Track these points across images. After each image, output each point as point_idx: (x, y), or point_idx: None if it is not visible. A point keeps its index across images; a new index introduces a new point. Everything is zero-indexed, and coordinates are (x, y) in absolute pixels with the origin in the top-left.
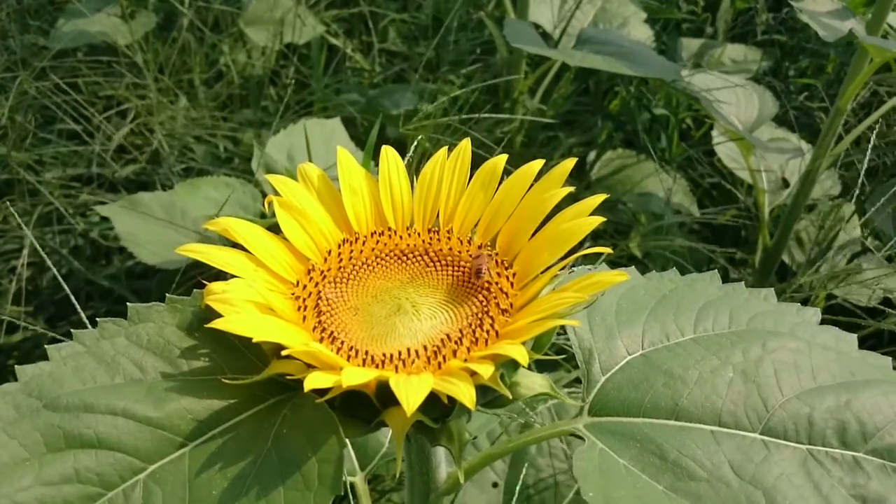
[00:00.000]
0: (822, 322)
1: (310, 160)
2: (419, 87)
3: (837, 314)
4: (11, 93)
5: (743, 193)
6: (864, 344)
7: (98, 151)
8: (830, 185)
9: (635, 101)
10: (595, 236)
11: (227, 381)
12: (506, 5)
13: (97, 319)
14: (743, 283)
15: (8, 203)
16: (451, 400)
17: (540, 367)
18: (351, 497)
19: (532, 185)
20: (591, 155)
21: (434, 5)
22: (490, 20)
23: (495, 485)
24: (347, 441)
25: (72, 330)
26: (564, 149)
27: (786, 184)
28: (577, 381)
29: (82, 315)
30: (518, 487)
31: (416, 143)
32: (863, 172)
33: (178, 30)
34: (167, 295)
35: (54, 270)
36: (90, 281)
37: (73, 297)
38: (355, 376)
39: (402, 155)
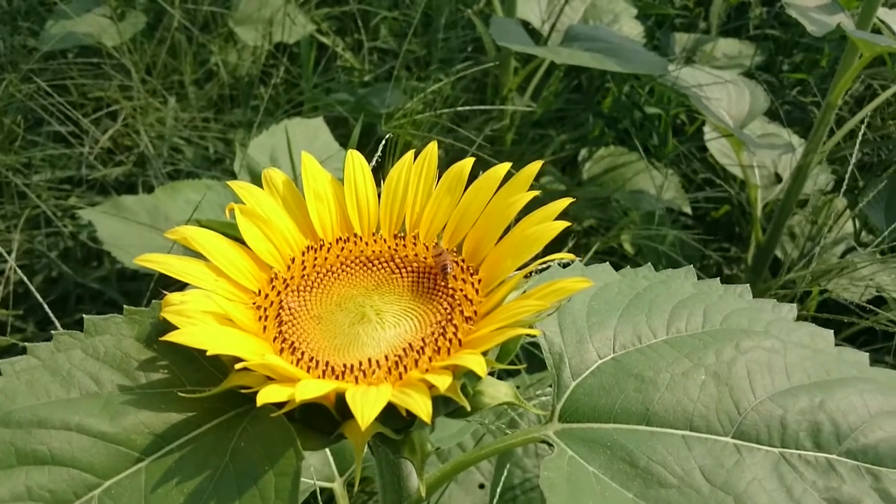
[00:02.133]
0: (814, 319)
1: (291, 161)
2: (409, 86)
3: (832, 310)
4: None
5: (736, 189)
6: (856, 340)
7: (87, 154)
8: (823, 180)
9: (626, 98)
10: (587, 234)
11: (184, 394)
12: (494, 3)
13: (52, 332)
14: (718, 279)
15: None
16: (411, 412)
17: (530, 366)
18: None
19: (498, 190)
20: (583, 152)
21: (425, 3)
22: (478, 18)
23: (482, 486)
24: (319, 451)
25: (26, 344)
26: (556, 146)
27: (778, 179)
28: None
29: (52, 317)
30: (501, 488)
31: (395, 142)
32: (851, 166)
33: (168, 30)
34: (125, 306)
35: (24, 277)
36: (80, 283)
37: (42, 300)
38: (310, 390)
39: (392, 153)
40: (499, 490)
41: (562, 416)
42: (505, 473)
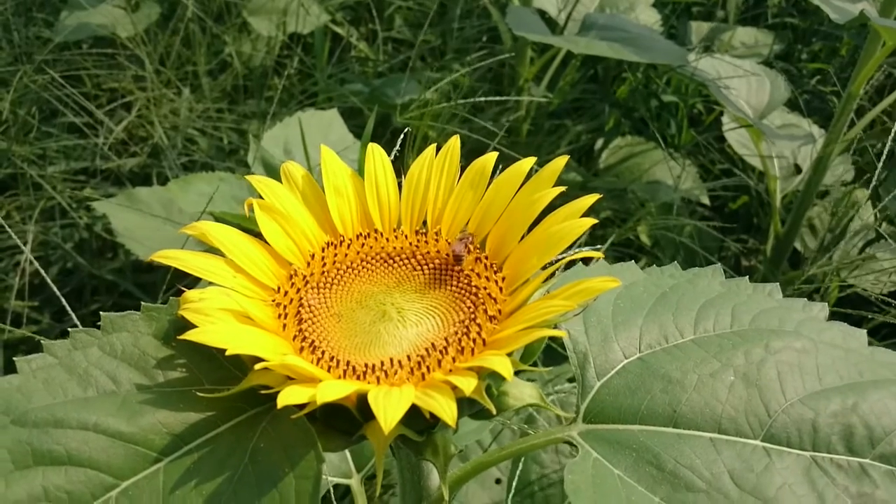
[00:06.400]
0: (834, 312)
1: (305, 153)
2: (424, 76)
3: (854, 302)
4: (13, 86)
5: (754, 180)
6: (878, 333)
7: (101, 145)
8: (843, 171)
9: (643, 88)
10: (603, 225)
11: (202, 393)
12: None
13: (69, 329)
14: (747, 277)
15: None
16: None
17: (548, 359)
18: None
19: (522, 185)
20: (600, 143)
21: None
22: (494, 7)
23: (498, 481)
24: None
25: (43, 341)
26: (572, 136)
27: (798, 170)
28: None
29: (69, 310)
30: (518, 484)
31: (411, 134)
32: (883, 157)
33: (182, 21)
34: (142, 303)
35: (39, 269)
36: (96, 275)
37: (58, 291)
38: (331, 391)
39: (408, 145)
40: (515, 486)
41: (586, 417)
42: (522, 467)
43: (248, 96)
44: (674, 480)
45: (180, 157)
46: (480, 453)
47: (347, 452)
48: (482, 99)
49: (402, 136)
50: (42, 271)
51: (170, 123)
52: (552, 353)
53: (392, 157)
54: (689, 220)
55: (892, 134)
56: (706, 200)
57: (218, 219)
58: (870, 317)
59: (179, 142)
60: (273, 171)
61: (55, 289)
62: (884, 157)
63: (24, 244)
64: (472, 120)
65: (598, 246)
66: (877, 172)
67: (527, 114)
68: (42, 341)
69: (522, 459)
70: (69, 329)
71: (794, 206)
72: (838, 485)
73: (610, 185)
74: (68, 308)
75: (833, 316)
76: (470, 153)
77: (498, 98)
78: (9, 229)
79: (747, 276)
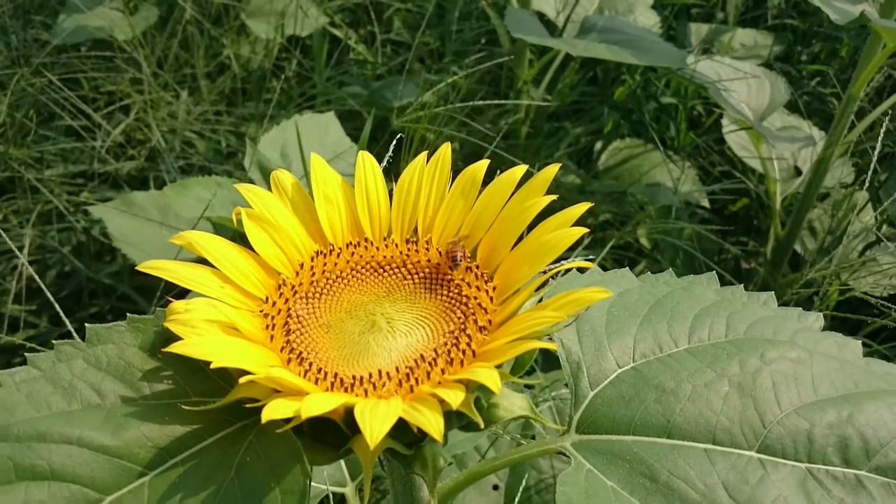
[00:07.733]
0: (833, 316)
1: (302, 157)
2: (422, 79)
3: (853, 306)
4: (10, 89)
5: (754, 182)
6: (877, 337)
7: (99, 148)
8: (843, 173)
9: (642, 90)
10: (602, 228)
11: (187, 406)
12: None
13: (54, 342)
14: (742, 286)
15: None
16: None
17: (545, 362)
18: None
19: (514, 193)
20: (598, 145)
21: None
22: (492, 9)
23: (496, 487)
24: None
25: (27, 354)
26: (571, 139)
27: (798, 172)
28: None
29: (63, 317)
30: (515, 490)
31: (409, 136)
32: (875, 158)
33: (180, 23)
34: (128, 314)
35: (35, 276)
36: (94, 278)
37: (56, 296)
38: (317, 405)
39: (406, 147)
40: (512, 491)
41: (579, 428)
42: (520, 473)
43: (247, 99)
44: (667, 492)
45: (178, 160)
46: (478, 459)
47: (342, 461)
48: (481, 102)
49: (395, 140)
50: (38, 278)
51: (167, 126)
52: (551, 357)
53: (386, 162)
54: (688, 222)
55: (881, 136)
56: (706, 203)
57: (215, 225)
58: (869, 320)
59: (177, 145)
60: (269, 176)
61: (50, 295)
62: (875, 157)
63: (22, 248)
64: (471, 123)
65: (592, 255)
66: (870, 174)
67: (526, 116)
68: (26, 354)
69: (521, 468)
70: (54, 342)
71: (795, 208)
72: (834, 497)
73: (609, 187)
74: (62, 314)
75: (832, 319)
76: (468, 156)
77: (497, 102)
78: (4, 235)
79: (747, 280)
